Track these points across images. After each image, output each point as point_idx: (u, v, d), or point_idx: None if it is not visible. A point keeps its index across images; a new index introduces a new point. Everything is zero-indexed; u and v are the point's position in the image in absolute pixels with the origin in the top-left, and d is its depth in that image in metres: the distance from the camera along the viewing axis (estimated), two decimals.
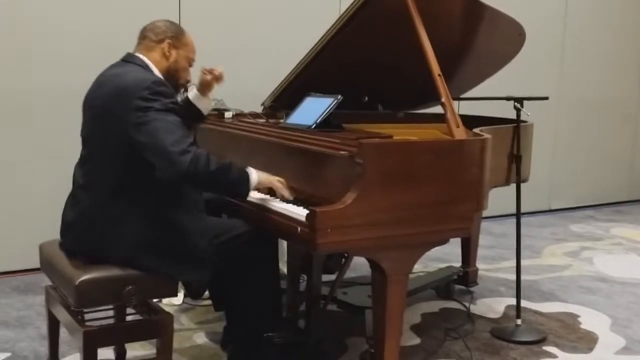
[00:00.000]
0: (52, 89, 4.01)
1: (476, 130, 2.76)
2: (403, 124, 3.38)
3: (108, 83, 2.33)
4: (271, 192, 2.48)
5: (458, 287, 3.86)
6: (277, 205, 2.32)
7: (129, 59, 2.45)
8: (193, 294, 2.87)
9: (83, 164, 2.39)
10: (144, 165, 2.21)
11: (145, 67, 2.42)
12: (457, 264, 3.93)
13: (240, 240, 2.42)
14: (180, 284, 2.42)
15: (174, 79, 2.51)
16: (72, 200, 2.40)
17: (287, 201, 2.37)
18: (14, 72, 3.94)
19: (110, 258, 2.26)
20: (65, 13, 4.03)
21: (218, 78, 2.79)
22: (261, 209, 2.39)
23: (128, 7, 4.14)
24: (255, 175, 2.36)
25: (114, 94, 2.26)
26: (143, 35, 2.50)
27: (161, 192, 2.28)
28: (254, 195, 2.48)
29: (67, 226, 2.40)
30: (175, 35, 2.50)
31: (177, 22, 4.29)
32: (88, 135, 2.38)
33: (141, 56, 2.45)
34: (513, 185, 3.26)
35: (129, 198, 2.27)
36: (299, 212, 2.17)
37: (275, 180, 2.42)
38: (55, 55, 4.01)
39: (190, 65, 2.59)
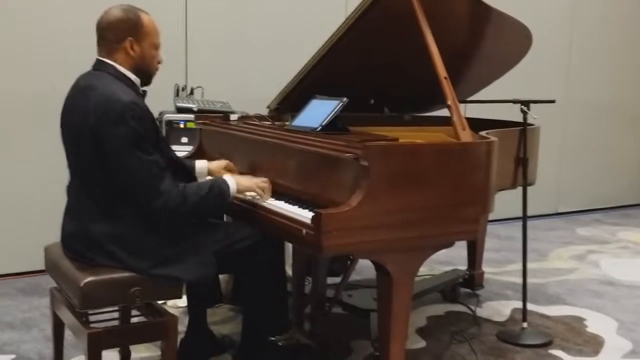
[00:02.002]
0: (57, 91, 4.00)
1: (482, 133, 2.75)
2: (409, 127, 3.38)
3: (83, 99, 2.27)
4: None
5: (464, 290, 3.85)
6: (282, 207, 2.32)
7: (99, 67, 2.37)
8: (197, 295, 2.86)
9: (71, 184, 2.39)
10: (123, 186, 2.25)
11: (116, 75, 2.34)
12: (463, 267, 3.92)
13: (246, 243, 2.42)
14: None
15: (146, 70, 2.42)
16: (67, 217, 2.40)
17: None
18: (17, 75, 3.96)
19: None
20: (67, 13, 4.03)
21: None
22: (266, 211, 2.38)
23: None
24: (233, 186, 2.39)
25: (88, 115, 2.22)
26: (101, 35, 2.36)
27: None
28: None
29: (65, 238, 2.41)
30: (134, 28, 2.34)
31: (184, 25, 4.32)
32: (68, 149, 2.38)
33: (110, 62, 2.36)
34: (520, 189, 3.25)
35: (119, 209, 2.27)
36: (304, 215, 2.16)
37: (254, 186, 2.45)
38: (59, 57, 4.01)
39: (158, 48, 2.46)
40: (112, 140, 2.18)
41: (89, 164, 2.25)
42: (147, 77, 2.44)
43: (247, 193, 2.48)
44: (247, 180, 2.48)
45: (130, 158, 2.19)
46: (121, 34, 2.33)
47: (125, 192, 2.24)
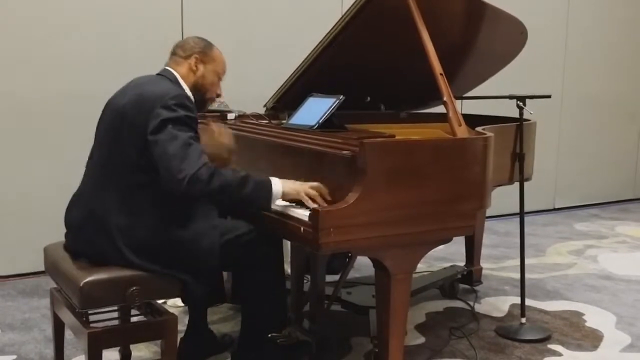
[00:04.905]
0: (56, 93, 4.03)
1: (479, 129, 2.76)
2: (406, 124, 3.39)
3: (134, 90, 2.36)
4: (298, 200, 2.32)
5: (462, 286, 3.86)
6: (280, 205, 2.32)
7: (161, 73, 2.52)
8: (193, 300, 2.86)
9: (94, 164, 2.41)
10: (154, 171, 2.24)
11: (175, 81, 2.47)
12: (462, 263, 3.93)
13: (244, 240, 2.42)
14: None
15: (201, 92, 2.54)
16: (79, 200, 2.41)
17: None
18: (17, 76, 3.95)
19: (114, 260, 2.26)
20: (66, 16, 4.04)
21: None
22: None
23: (130, 10, 4.15)
24: (279, 186, 2.28)
25: (138, 101, 2.30)
26: (173, 52, 2.57)
27: (170, 198, 2.28)
28: None
29: (72, 227, 2.41)
30: (203, 51, 2.54)
31: (180, 24, 4.33)
32: (103, 137, 2.40)
33: (172, 70, 2.51)
34: (517, 184, 3.26)
35: (138, 202, 2.28)
36: (302, 212, 2.17)
37: (302, 192, 2.28)
38: (57, 59, 4.02)
39: (220, 79, 2.62)
40: (158, 118, 2.22)
41: (129, 149, 2.26)
42: (201, 100, 2.54)
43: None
44: (293, 183, 2.32)
45: (177, 131, 2.21)
46: (190, 50, 2.53)
47: (159, 167, 2.21)
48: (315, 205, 2.20)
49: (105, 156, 2.36)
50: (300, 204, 2.29)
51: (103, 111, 2.45)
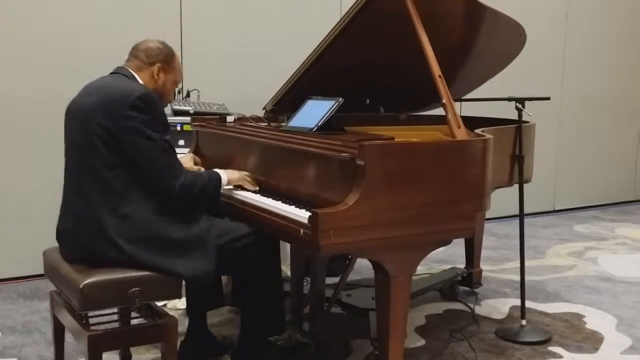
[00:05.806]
0: (56, 93, 4.01)
1: (478, 131, 2.76)
2: (405, 126, 3.39)
3: (97, 92, 2.35)
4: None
5: (462, 288, 3.86)
6: (280, 207, 2.33)
7: (117, 71, 2.50)
8: (198, 289, 2.86)
9: (71, 172, 2.41)
10: (134, 171, 2.28)
11: (133, 79, 2.46)
12: (461, 265, 3.93)
13: (242, 242, 2.43)
14: (183, 288, 2.43)
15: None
16: (66, 211, 2.42)
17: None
18: (17, 76, 3.96)
19: (115, 257, 2.27)
20: (66, 17, 4.05)
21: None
22: (264, 212, 2.39)
23: (129, 11, 4.15)
24: (225, 177, 2.57)
25: (105, 101, 2.29)
26: (135, 54, 2.54)
27: (149, 186, 2.33)
28: (254, 197, 2.51)
29: (63, 236, 2.42)
30: (166, 60, 2.54)
31: (179, 26, 4.34)
32: (74, 144, 2.39)
33: (130, 70, 2.49)
34: (517, 186, 3.26)
35: (121, 197, 2.28)
36: (301, 214, 2.17)
37: (243, 179, 2.65)
38: (57, 59, 4.03)
39: (175, 87, 2.65)
40: (132, 120, 2.25)
41: (101, 148, 2.27)
42: None
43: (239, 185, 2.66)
44: (236, 173, 2.66)
45: (150, 136, 2.28)
46: (154, 58, 2.52)
47: (141, 170, 2.29)
48: (254, 189, 2.64)
49: (79, 161, 2.35)
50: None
51: (66, 119, 2.44)
